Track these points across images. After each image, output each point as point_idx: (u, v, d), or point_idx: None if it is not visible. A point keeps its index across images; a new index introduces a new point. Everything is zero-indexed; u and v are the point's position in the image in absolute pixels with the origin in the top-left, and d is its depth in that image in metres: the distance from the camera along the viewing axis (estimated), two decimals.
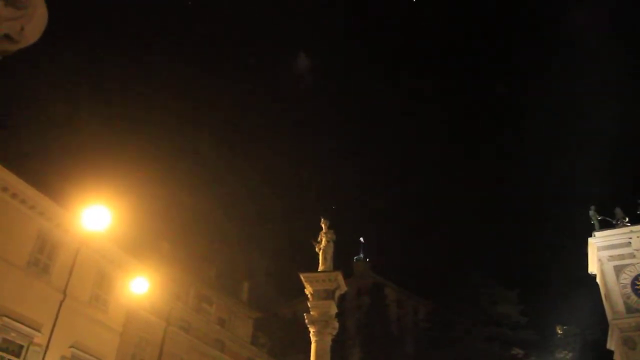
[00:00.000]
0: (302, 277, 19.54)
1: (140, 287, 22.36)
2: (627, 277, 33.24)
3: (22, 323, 22.31)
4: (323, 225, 20.51)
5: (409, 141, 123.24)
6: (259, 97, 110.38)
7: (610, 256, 34.33)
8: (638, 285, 32.82)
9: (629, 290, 32.82)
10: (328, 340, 18.77)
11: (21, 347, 22.34)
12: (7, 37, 4.15)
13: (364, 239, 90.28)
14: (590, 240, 35.38)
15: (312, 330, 18.86)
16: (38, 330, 22.98)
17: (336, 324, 19.23)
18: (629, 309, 32.32)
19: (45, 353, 23.20)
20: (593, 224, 35.82)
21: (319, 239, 20.32)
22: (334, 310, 19.22)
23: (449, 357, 53.65)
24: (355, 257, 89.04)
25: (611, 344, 35.26)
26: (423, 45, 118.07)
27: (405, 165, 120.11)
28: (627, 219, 35.27)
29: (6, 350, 21.76)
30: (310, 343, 18.90)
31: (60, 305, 24.48)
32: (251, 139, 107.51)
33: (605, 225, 35.64)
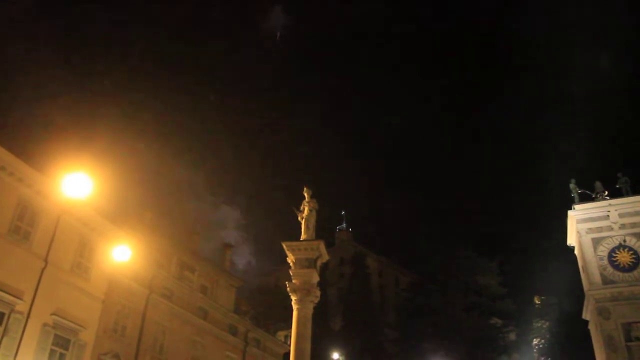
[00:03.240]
0: (284, 246, 19.62)
1: (123, 255, 22.24)
2: (604, 250, 33.85)
3: (3, 291, 22.17)
4: (306, 194, 20.52)
5: (394, 116, 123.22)
6: (243, 62, 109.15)
7: (589, 229, 34.86)
8: (614, 257, 33.45)
9: (605, 262, 33.44)
10: (310, 308, 18.95)
11: (2, 314, 22.24)
12: None
13: (345, 212, 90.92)
14: (569, 212, 35.85)
15: (293, 298, 19.01)
16: (19, 298, 22.88)
17: (318, 293, 19.39)
18: (605, 280, 32.99)
19: (27, 321, 23.14)
20: (573, 197, 36.24)
21: (301, 208, 20.35)
22: (315, 278, 19.36)
23: (429, 327, 54.48)
24: (337, 227, 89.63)
25: (586, 314, 36.07)
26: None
27: (387, 139, 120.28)
28: (606, 193, 35.72)
29: None
30: (292, 311, 19.07)
31: (42, 272, 24.34)
32: (236, 107, 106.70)
33: (585, 198, 36.09)
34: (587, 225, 34.97)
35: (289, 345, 21.02)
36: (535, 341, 59.75)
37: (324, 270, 24.74)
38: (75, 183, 14.27)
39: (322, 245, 19.61)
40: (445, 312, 54.58)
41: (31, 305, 23.43)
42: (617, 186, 35.54)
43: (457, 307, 55.09)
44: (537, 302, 61.86)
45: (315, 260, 19.43)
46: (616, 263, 33.20)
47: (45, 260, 24.64)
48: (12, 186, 23.75)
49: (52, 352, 24.40)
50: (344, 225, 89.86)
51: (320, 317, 35.17)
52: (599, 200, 35.39)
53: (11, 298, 22.53)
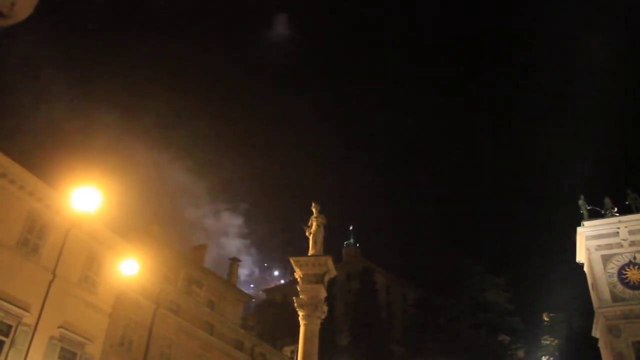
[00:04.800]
0: (292, 261, 19.58)
1: (130, 268, 22.26)
2: (614, 267, 33.57)
3: (10, 303, 22.20)
4: (314, 210, 20.50)
5: (401, 132, 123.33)
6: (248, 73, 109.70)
7: (598, 245, 34.62)
8: (624, 274, 33.17)
9: (615, 279, 33.16)
10: (317, 323, 18.85)
11: (9, 327, 22.25)
12: None
13: (352, 227, 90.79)
14: (579, 229, 35.64)
15: (301, 313, 18.92)
16: (27, 311, 22.89)
17: (325, 308, 19.30)
18: (615, 298, 32.69)
19: (33, 333, 23.13)
20: (582, 214, 36.05)
21: (309, 223, 20.32)
22: (323, 294, 19.28)
23: (437, 343, 54.10)
24: (345, 242, 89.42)
25: (596, 332, 35.69)
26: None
27: (395, 154, 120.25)
28: (615, 209, 35.54)
29: None
30: (299, 326, 18.99)
31: (50, 285, 24.36)
32: (246, 121, 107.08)
33: (594, 215, 35.91)
34: (596, 242, 34.74)
35: None
36: (544, 359, 59.22)
37: (331, 285, 24.64)
38: (85, 197, 14.33)
39: (329, 261, 19.56)
40: (452, 328, 54.22)
41: (38, 318, 23.44)
42: (627, 203, 35.37)
43: (465, 323, 54.70)
44: (546, 319, 61.39)
45: (323, 276, 19.36)
46: (626, 280, 32.92)
47: (54, 273, 24.68)
48: (22, 199, 23.86)
49: None
50: (352, 240, 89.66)
51: (327, 333, 34.95)
52: (609, 217, 35.20)
53: (18, 310, 22.56)
